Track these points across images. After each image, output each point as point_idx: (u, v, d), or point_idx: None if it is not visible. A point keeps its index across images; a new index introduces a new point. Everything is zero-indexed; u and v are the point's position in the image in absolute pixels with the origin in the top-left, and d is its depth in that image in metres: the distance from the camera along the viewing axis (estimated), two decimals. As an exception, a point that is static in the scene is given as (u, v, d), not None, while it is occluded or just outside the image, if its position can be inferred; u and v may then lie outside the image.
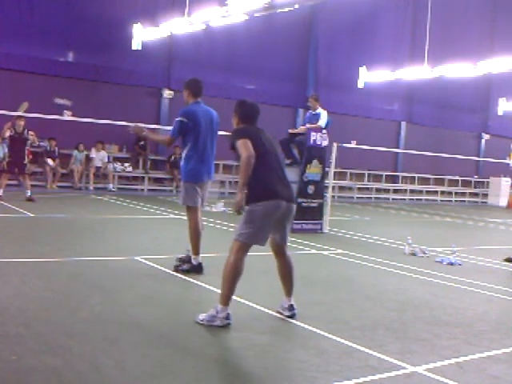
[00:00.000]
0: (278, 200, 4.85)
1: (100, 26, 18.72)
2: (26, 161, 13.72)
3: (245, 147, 4.72)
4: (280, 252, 5.18)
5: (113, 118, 13.75)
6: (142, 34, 17.85)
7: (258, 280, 6.64)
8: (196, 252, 6.74)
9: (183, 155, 6.76)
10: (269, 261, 7.05)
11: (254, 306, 5.47)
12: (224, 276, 4.80)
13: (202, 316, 4.81)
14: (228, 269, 4.79)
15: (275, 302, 5.69)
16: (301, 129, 12.21)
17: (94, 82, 19.15)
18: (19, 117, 13.20)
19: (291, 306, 5.20)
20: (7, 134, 13.47)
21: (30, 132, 13.59)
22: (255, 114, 5.14)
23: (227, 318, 4.77)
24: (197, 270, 6.70)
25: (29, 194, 13.28)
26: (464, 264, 8.85)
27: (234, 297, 5.71)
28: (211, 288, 5.99)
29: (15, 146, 13.47)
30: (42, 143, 16.68)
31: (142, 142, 19.30)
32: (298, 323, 5.02)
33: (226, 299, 4.78)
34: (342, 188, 23.59)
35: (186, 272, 6.67)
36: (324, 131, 11.49)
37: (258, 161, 4.77)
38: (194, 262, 6.72)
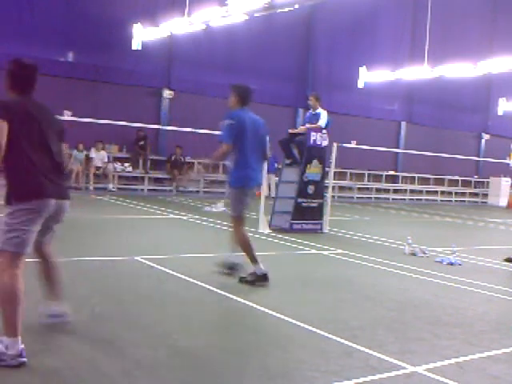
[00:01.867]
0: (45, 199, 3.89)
1: (100, 26, 18.73)
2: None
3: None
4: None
5: (113, 118, 13.74)
6: (142, 34, 17.87)
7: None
8: (254, 260, 6.40)
9: (231, 161, 6.47)
10: (268, 261, 7.06)
11: (254, 306, 5.47)
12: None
13: None
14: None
15: (275, 302, 5.70)
16: (301, 129, 12.18)
17: (93, 82, 19.15)
18: None
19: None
20: None
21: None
22: None
23: (21, 355, 3.60)
24: (261, 279, 6.37)
25: None
26: (464, 264, 8.84)
27: (233, 296, 5.71)
28: (211, 288, 5.99)
29: None
30: None
31: (141, 142, 19.31)
32: (298, 323, 5.02)
33: (13, 328, 3.62)
34: (342, 188, 23.59)
35: (251, 283, 6.32)
36: (324, 131, 11.48)
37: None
38: (257, 272, 6.38)
